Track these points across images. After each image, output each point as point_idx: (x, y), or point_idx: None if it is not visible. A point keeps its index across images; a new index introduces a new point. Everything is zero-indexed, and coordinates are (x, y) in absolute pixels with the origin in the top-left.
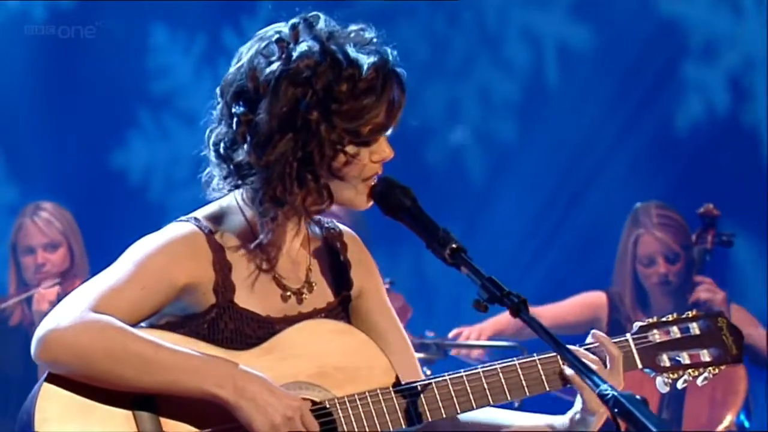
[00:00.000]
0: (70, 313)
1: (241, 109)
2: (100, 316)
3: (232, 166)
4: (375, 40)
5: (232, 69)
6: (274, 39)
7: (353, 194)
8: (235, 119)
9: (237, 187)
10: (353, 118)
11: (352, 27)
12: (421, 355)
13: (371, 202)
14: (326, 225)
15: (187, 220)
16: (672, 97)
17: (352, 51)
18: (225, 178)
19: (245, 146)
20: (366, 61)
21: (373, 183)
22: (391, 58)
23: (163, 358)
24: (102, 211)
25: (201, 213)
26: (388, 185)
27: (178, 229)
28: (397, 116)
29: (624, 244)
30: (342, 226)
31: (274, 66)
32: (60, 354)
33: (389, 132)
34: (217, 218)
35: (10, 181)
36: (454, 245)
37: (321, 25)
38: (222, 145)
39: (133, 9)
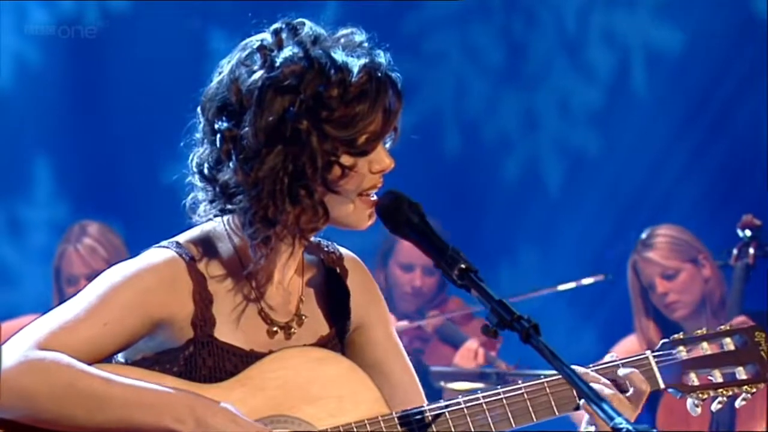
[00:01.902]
0: (14, 352)
1: (225, 124)
2: (44, 354)
3: (218, 188)
4: (365, 43)
5: (213, 83)
6: (255, 47)
7: (350, 210)
8: (218, 136)
9: (224, 211)
10: (346, 126)
11: (341, 31)
12: (480, 385)
13: (371, 220)
14: (325, 248)
15: (168, 246)
16: (761, 101)
17: (340, 55)
18: (211, 201)
19: (231, 164)
20: (356, 64)
21: (372, 198)
22: (383, 61)
23: (114, 393)
24: (154, 229)
25: (184, 237)
26: (394, 199)
27: (154, 256)
28: (393, 123)
29: (630, 283)
30: (344, 250)
31: (257, 75)
32: (3, 397)
33: (387, 141)
34: (202, 244)
35: (59, 198)
36: (463, 265)
37: (306, 30)
38: (206, 165)
39: (190, 13)
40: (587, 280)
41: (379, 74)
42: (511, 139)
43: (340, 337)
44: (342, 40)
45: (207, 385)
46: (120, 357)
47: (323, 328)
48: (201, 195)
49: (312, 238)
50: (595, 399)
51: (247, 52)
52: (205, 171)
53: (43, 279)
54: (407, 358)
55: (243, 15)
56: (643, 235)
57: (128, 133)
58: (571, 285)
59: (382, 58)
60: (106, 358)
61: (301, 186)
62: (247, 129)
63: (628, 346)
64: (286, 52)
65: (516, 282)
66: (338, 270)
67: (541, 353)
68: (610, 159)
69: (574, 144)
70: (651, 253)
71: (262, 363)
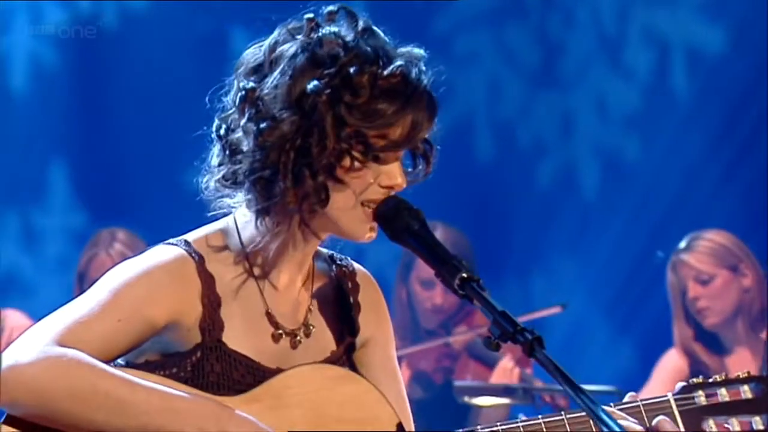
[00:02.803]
0: (31, 348)
1: (250, 84)
2: (65, 351)
3: (227, 147)
4: (422, 59)
5: (253, 47)
6: (306, 18)
7: (351, 215)
8: (240, 94)
9: (230, 181)
10: (365, 118)
11: (404, 48)
12: (506, 400)
13: (372, 234)
14: (339, 261)
15: (176, 244)
16: None
17: (386, 50)
18: (219, 165)
19: (243, 122)
20: (397, 63)
21: (370, 210)
22: (426, 77)
23: (138, 398)
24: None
25: (193, 236)
26: (394, 205)
27: (163, 253)
28: (415, 139)
29: (670, 287)
30: (357, 265)
31: (297, 40)
32: (19, 394)
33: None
34: (211, 243)
35: (77, 206)
36: (464, 274)
37: (363, 22)
38: (224, 126)
39: (210, 13)
40: (543, 313)
41: (416, 83)
42: (546, 144)
43: (348, 353)
44: (399, 48)
45: (222, 397)
46: (121, 360)
47: (332, 343)
48: (215, 164)
49: (324, 250)
50: (603, 416)
51: (295, 23)
52: (222, 131)
53: (60, 290)
54: (402, 385)
55: (266, 15)
56: (688, 238)
57: (147, 137)
58: (528, 317)
59: (427, 74)
60: (121, 355)
61: (305, 164)
62: (267, 90)
63: (671, 363)
64: (334, 27)
65: (550, 292)
66: (350, 284)
67: (545, 368)
68: (649, 163)
69: (612, 148)
70: (688, 255)
71: (278, 379)
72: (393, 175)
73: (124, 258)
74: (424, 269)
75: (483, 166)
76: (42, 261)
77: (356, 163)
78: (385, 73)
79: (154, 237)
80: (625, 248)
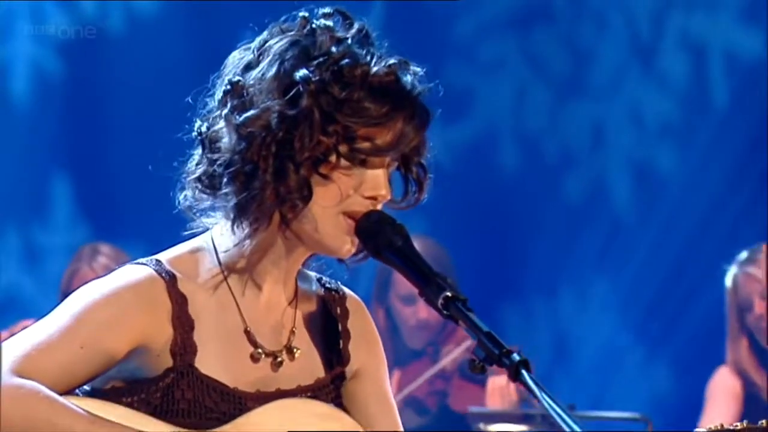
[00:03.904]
0: None
1: (236, 77)
2: (23, 383)
3: (206, 140)
4: (420, 71)
5: (241, 48)
6: (299, 15)
7: (332, 224)
8: (224, 87)
9: (205, 184)
10: (352, 114)
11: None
12: (524, 428)
13: (353, 248)
14: (327, 285)
15: (146, 263)
16: None
17: (383, 53)
18: (197, 164)
19: (225, 111)
20: (389, 63)
21: (351, 224)
22: (419, 87)
23: None
24: None
25: (166, 255)
26: (376, 220)
27: (131, 273)
28: (399, 148)
29: (728, 301)
30: (347, 290)
31: (288, 35)
32: None
33: (387, 166)
34: (185, 261)
35: (80, 222)
36: (449, 293)
37: (358, 24)
38: (205, 124)
39: (223, 16)
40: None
41: (409, 87)
42: (574, 155)
43: (336, 383)
44: (395, 58)
45: (197, 431)
46: (86, 386)
47: (319, 370)
48: (192, 165)
49: (313, 273)
50: None
51: (288, 24)
52: (202, 128)
53: None
54: (398, 418)
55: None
56: (751, 250)
57: (154, 148)
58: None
59: (421, 85)
60: (82, 384)
61: (288, 157)
62: (253, 81)
63: (726, 385)
64: (329, 22)
65: (577, 311)
66: (339, 310)
67: (532, 393)
68: (685, 177)
69: (644, 159)
70: (754, 268)
71: (258, 412)
72: (377, 184)
73: (109, 272)
74: (403, 285)
75: (508, 178)
76: (43, 280)
77: (341, 161)
78: (378, 70)
79: (148, 253)
80: (657, 264)
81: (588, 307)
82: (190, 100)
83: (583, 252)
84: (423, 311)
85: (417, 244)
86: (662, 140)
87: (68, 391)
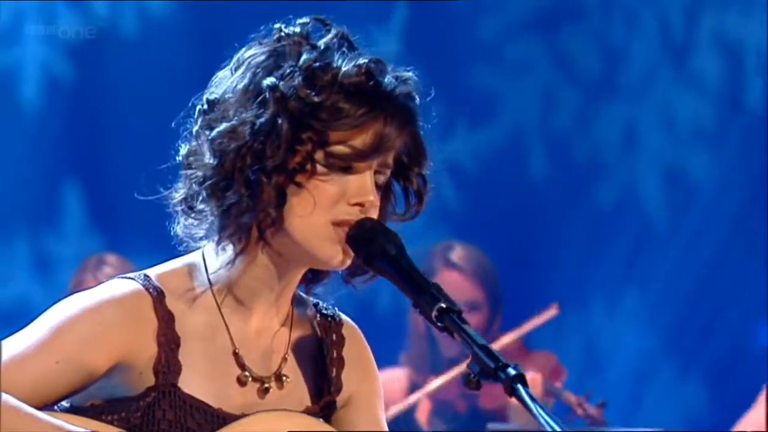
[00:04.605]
0: None
1: (213, 95)
2: None
3: (185, 166)
4: (411, 80)
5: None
6: (275, 27)
7: (318, 234)
8: (199, 106)
9: (192, 206)
10: (327, 118)
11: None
12: None
13: (347, 259)
14: (324, 310)
15: (133, 278)
16: None
17: (357, 55)
18: (181, 187)
19: (197, 128)
20: (361, 62)
21: (341, 232)
22: (403, 87)
23: None
24: None
25: (155, 270)
26: (369, 228)
27: (116, 287)
28: (382, 150)
29: None
30: (344, 317)
31: (262, 46)
32: None
33: (371, 169)
34: (175, 278)
35: (92, 231)
36: (443, 305)
37: (336, 30)
38: (186, 146)
39: (236, 14)
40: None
41: (385, 84)
42: (606, 160)
43: (326, 413)
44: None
45: None
46: (65, 403)
47: (307, 398)
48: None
49: (310, 298)
50: None
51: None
52: (183, 151)
53: None
54: None
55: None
56: None
57: (170, 154)
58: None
59: (407, 85)
60: (58, 401)
61: (261, 168)
62: (225, 95)
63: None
64: (304, 30)
65: (606, 321)
66: (334, 337)
67: (528, 409)
68: (719, 181)
69: (680, 166)
70: None
71: (239, 424)
72: (363, 190)
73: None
74: (444, 289)
75: (536, 184)
76: (55, 290)
77: (319, 168)
78: (348, 71)
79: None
80: (689, 273)
81: (616, 317)
82: (173, 125)
83: (613, 260)
84: None
85: (463, 252)
86: (696, 144)
87: (45, 407)
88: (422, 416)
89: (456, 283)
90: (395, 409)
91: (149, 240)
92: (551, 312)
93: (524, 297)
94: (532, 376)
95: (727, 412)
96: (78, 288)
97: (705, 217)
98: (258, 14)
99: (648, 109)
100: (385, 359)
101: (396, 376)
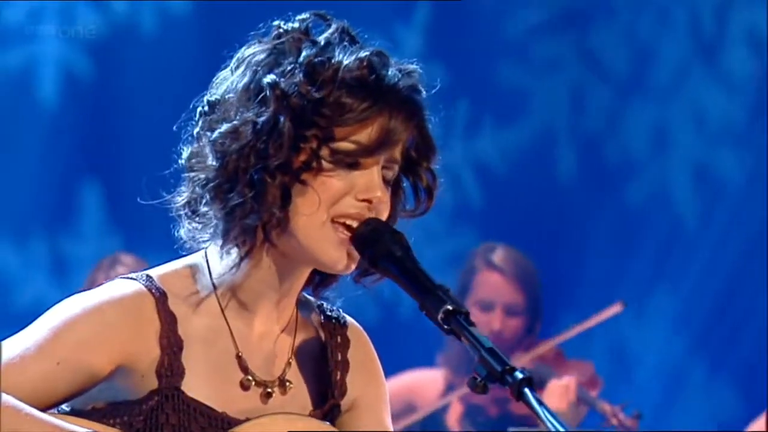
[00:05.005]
0: None
1: (214, 96)
2: None
3: (187, 169)
4: (417, 72)
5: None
6: (274, 24)
7: (321, 236)
8: (201, 108)
9: (196, 210)
10: (330, 114)
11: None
12: None
13: (351, 262)
14: (329, 312)
15: (136, 279)
16: None
17: (359, 48)
18: (184, 192)
19: (198, 130)
20: (363, 56)
21: (346, 234)
22: (407, 79)
23: None
24: None
25: (158, 271)
26: (374, 228)
27: (119, 288)
28: (387, 145)
29: None
30: (349, 319)
31: (262, 44)
32: None
33: (379, 165)
34: (178, 279)
35: (112, 230)
36: (450, 307)
37: (336, 25)
38: (188, 149)
39: (255, 12)
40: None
41: (388, 78)
42: (636, 160)
43: (330, 417)
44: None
45: None
46: (65, 407)
47: (310, 404)
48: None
49: (314, 300)
50: None
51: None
52: (184, 154)
53: None
54: None
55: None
56: None
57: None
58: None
59: (411, 77)
60: (59, 402)
61: (263, 168)
62: (226, 96)
63: None
64: (303, 27)
65: (636, 322)
66: (339, 339)
67: (535, 413)
68: (750, 181)
69: (712, 166)
70: None
71: (243, 428)
72: (371, 185)
73: None
74: (483, 290)
75: (565, 184)
76: (72, 291)
77: (325, 165)
78: (349, 65)
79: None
80: (719, 273)
81: (647, 318)
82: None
83: (644, 262)
84: (497, 321)
85: (505, 254)
86: (727, 142)
87: (46, 409)
88: (453, 419)
89: (496, 285)
90: (426, 411)
91: (168, 240)
92: (615, 309)
93: (551, 298)
94: (567, 380)
95: (759, 413)
96: (91, 287)
97: (735, 216)
98: (278, 14)
99: (678, 108)
100: (412, 360)
101: (432, 377)
